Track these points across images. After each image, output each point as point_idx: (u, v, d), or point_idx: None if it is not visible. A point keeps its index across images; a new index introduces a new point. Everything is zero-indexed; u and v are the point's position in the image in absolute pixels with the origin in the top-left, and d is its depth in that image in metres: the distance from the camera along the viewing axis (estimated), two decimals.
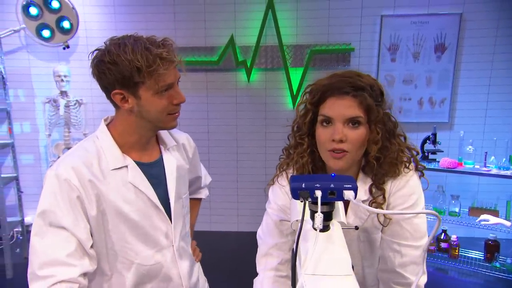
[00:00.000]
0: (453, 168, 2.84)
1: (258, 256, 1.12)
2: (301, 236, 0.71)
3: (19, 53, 3.49)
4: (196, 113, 3.56)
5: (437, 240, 3.10)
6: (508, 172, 2.69)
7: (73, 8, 3.32)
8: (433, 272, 2.98)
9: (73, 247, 0.94)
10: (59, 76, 3.19)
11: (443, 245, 3.05)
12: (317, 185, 0.69)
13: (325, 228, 0.72)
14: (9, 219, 3.05)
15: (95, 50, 1.00)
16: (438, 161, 2.95)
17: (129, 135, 1.06)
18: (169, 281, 1.14)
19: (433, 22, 3.27)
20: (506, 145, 2.95)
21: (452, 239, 3.02)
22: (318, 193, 0.68)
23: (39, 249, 0.92)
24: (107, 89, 1.00)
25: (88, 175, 0.99)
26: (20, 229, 3.33)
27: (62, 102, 3.22)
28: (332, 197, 0.69)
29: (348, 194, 0.68)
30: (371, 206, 0.99)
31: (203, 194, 1.49)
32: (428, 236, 0.97)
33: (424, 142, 3.04)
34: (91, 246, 0.99)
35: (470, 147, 2.91)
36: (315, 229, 0.68)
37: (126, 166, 1.05)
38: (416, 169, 1.04)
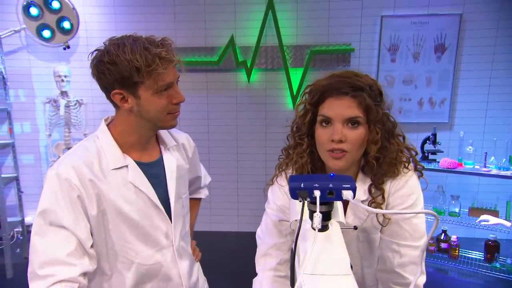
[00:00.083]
0: (453, 169, 2.84)
1: (257, 256, 1.12)
2: (299, 236, 0.71)
3: (20, 53, 3.50)
4: (196, 113, 3.57)
5: (437, 240, 3.10)
6: (508, 173, 2.69)
7: (74, 8, 3.33)
8: (433, 272, 2.98)
9: (73, 247, 0.94)
10: (60, 76, 3.20)
11: (443, 245, 3.05)
12: (316, 185, 0.69)
13: (324, 228, 0.73)
14: (9, 219, 3.05)
15: (95, 50, 1.00)
16: (438, 162, 2.95)
17: (129, 134, 1.07)
18: (169, 281, 1.14)
19: (433, 22, 3.27)
20: (506, 145, 2.95)
21: (452, 239, 3.02)
22: (317, 193, 0.68)
23: (39, 248, 0.92)
24: (106, 89, 1.01)
25: (89, 174, 0.99)
26: (20, 229, 3.34)
27: (62, 102, 3.22)
28: (331, 197, 0.69)
29: (347, 194, 0.69)
30: (370, 206, 1.00)
31: (203, 194, 1.49)
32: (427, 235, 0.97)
33: (424, 142, 3.04)
34: (91, 246, 0.99)
35: (470, 147, 2.91)
36: (313, 229, 0.68)
37: (126, 166, 1.05)
38: (415, 169, 1.05)
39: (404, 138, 1.04)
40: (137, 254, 1.07)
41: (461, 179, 3.28)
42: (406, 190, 1.01)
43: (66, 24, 3.33)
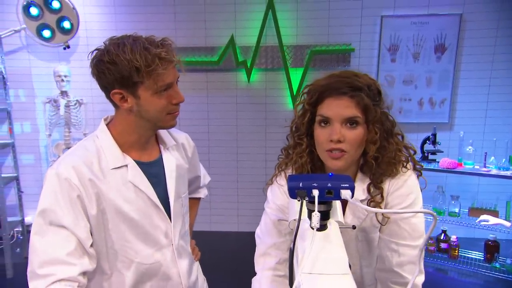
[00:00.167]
0: (453, 169, 2.84)
1: (256, 256, 1.12)
2: (298, 235, 0.71)
3: (20, 53, 3.50)
4: (196, 113, 3.57)
5: (437, 240, 3.10)
6: (508, 173, 2.69)
7: (74, 8, 3.33)
8: (433, 272, 2.98)
9: (73, 246, 0.94)
10: (60, 76, 3.20)
11: (443, 245, 3.05)
12: (315, 184, 0.69)
13: (323, 227, 0.73)
14: (9, 219, 3.05)
15: (95, 50, 1.00)
16: (438, 162, 2.95)
17: (128, 134, 1.07)
18: (168, 280, 1.14)
19: (433, 22, 3.27)
20: (506, 145, 2.95)
21: (452, 239, 3.02)
22: (315, 192, 0.68)
23: (39, 248, 0.93)
24: (106, 88, 1.01)
25: (88, 174, 0.99)
26: (20, 229, 3.34)
27: (62, 102, 3.22)
28: (329, 196, 0.70)
29: (345, 193, 0.69)
30: (369, 206, 1.00)
31: (202, 193, 1.50)
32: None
33: (424, 142, 3.04)
34: (91, 245, 1.00)
35: (470, 147, 2.91)
36: (312, 228, 0.68)
37: (126, 165, 1.05)
38: (414, 169, 1.05)
39: (402, 137, 1.04)
40: (137, 253, 1.07)
41: (461, 179, 3.28)
42: (405, 189, 1.01)
43: (66, 24, 3.33)
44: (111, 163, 1.03)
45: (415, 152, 1.06)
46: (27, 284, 0.92)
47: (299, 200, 0.71)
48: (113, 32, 1.22)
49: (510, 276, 2.74)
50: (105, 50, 0.97)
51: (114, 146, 1.05)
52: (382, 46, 3.36)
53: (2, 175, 2.99)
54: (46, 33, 3.32)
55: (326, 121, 0.96)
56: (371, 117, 0.95)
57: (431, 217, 0.63)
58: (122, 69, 0.95)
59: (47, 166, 3.62)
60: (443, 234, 3.08)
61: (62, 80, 3.20)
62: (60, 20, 3.32)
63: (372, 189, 1.01)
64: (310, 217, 0.72)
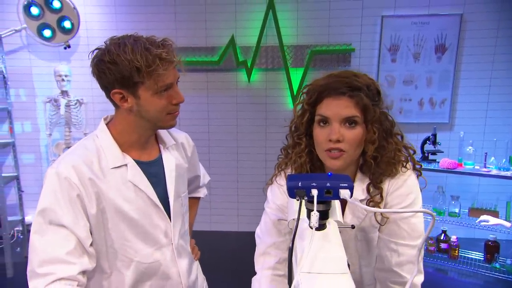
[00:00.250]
0: (453, 169, 2.84)
1: (256, 255, 1.13)
2: (297, 235, 0.71)
3: (20, 52, 3.51)
4: (196, 113, 3.57)
5: (437, 240, 3.10)
6: (508, 173, 2.69)
7: (74, 8, 3.34)
8: (433, 272, 2.98)
9: (72, 245, 0.94)
10: (60, 75, 3.21)
11: (443, 245, 3.05)
12: (314, 184, 0.69)
13: (321, 227, 0.73)
14: (9, 218, 3.06)
15: (95, 49, 1.00)
16: (438, 162, 2.95)
17: (128, 134, 1.07)
18: (168, 279, 1.15)
19: (433, 22, 3.27)
20: (506, 146, 2.95)
21: (452, 239, 3.02)
22: (314, 192, 0.68)
23: (38, 247, 0.93)
24: (106, 88, 1.01)
25: (88, 173, 0.99)
26: (20, 228, 3.35)
27: (62, 101, 3.23)
28: (328, 195, 0.70)
29: (344, 193, 0.69)
30: (368, 205, 1.00)
31: (202, 193, 1.50)
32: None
33: (424, 142, 3.04)
34: (91, 244, 1.00)
35: (470, 147, 2.90)
36: (311, 227, 0.68)
37: (126, 165, 1.05)
38: (414, 169, 1.05)
39: (402, 137, 1.04)
40: (137, 252, 1.08)
41: (461, 179, 3.28)
42: (405, 189, 1.01)
43: (67, 24, 3.33)
44: (111, 162, 1.03)
45: (414, 152, 1.06)
46: (27, 283, 0.92)
47: (298, 200, 0.71)
48: (114, 32, 1.22)
49: (510, 277, 2.74)
50: (106, 50, 0.97)
51: (114, 146, 1.05)
52: (382, 46, 3.36)
53: (3, 175, 2.99)
54: (47, 32, 3.33)
55: (325, 121, 0.96)
56: (370, 117, 0.95)
57: (431, 217, 0.63)
58: (122, 69, 0.95)
59: (48, 165, 3.62)
60: (443, 234, 3.07)
61: (63, 80, 3.21)
62: (61, 19, 3.32)
63: (371, 189, 1.02)
64: (309, 216, 0.72)
